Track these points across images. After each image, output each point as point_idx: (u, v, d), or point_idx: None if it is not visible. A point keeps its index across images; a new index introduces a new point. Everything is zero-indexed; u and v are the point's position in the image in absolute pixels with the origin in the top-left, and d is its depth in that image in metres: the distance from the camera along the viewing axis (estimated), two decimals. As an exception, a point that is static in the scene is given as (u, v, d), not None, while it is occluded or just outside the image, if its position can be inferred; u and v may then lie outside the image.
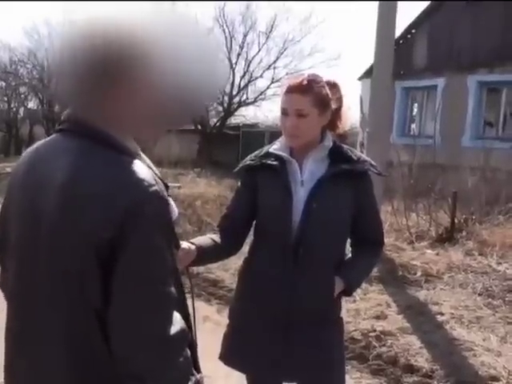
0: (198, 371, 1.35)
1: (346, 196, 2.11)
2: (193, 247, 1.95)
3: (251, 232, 2.27)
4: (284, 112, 2.07)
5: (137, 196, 1.15)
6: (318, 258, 2.09)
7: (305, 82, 2.02)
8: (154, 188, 1.18)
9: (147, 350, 1.17)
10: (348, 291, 2.19)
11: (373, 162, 2.19)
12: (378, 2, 7.24)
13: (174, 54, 1.17)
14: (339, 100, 2.13)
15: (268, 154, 2.16)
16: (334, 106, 2.09)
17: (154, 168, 1.35)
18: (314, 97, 2.02)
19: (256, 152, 2.24)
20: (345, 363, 2.30)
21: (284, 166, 2.12)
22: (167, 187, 1.31)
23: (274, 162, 2.12)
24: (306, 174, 2.11)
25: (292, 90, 2.04)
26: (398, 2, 7.18)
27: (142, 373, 1.18)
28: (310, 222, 2.06)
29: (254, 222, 2.23)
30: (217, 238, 2.15)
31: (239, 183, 2.28)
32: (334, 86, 2.11)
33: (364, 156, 2.21)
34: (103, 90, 1.19)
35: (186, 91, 1.21)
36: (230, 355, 2.25)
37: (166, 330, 1.18)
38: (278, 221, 2.10)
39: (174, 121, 1.35)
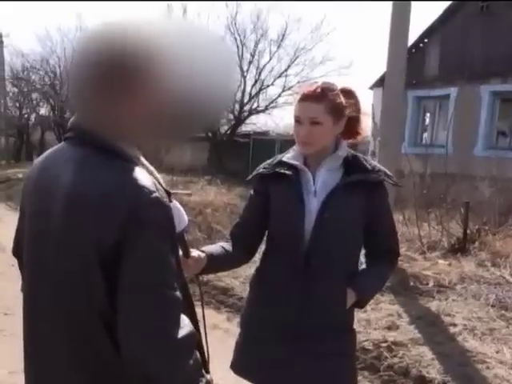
0: (208, 373, 1.37)
1: (360, 206, 2.07)
2: (203, 255, 1.94)
3: (263, 240, 2.25)
4: (297, 120, 2.04)
5: (137, 203, 1.17)
6: (330, 268, 2.05)
7: (319, 90, 1.99)
8: (155, 195, 1.20)
9: (157, 353, 1.18)
10: (360, 303, 2.14)
11: (388, 172, 2.14)
12: (391, 11, 7.22)
13: (184, 64, 1.17)
14: (356, 106, 2.08)
15: (281, 163, 2.13)
16: (349, 112, 2.05)
17: (158, 175, 1.38)
18: (328, 105, 1.98)
19: (269, 160, 2.21)
20: (357, 374, 2.27)
21: (297, 175, 2.08)
22: (169, 194, 1.33)
23: (287, 171, 2.08)
24: (319, 184, 2.07)
25: (306, 98, 2.01)
26: (411, 12, 7.16)
27: (152, 375, 1.20)
28: (323, 232, 2.02)
29: (267, 231, 2.20)
30: (228, 246, 2.13)
31: (252, 191, 2.25)
32: (349, 93, 2.08)
33: (379, 166, 2.17)
34: (110, 99, 1.19)
35: (197, 102, 1.21)
36: (240, 365, 2.23)
37: (174, 333, 1.20)
38: (290, 231, 2.07)
39: (181, 131, 1.34)
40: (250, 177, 2.24)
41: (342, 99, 2.03)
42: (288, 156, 2.13)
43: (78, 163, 1.24)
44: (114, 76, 1.15)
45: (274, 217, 2.13)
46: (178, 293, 1.23)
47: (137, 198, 1.17)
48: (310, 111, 2.00)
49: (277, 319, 2.08)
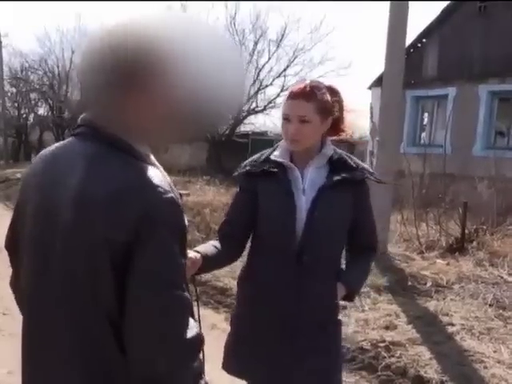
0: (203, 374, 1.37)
1: (346, 204, 2.12)
2: (198, 255, 1.94)
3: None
4: (286, 118, 2.08)
5: (152, 202, 1.17)
6: (321, 265, 2.10)
7: (308, 89, 2.03)
8: (170, 195, 1.20)
9: (165, 353, 1.19)
10: (350, 296, 2.22)
11: (371, 170, 2.20)
12: (388, 11, 7.23)
13: (196, 63, 1.17)
14: (340, 105, 2.12)
15: (268, 160, 2.15)
16: (336, 111, 2.09)
17: (168, 176, 1.36)
18: (316, 103, 2.02)
19: (255, 156, 2.23)
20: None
21: (285, 173, 2.11)
22: (181, 196, 1.32)
23: (276, 170, 2.10)
24: (307, 182, 2.11)
25: (295, 96, 2.05)
26: (409, 12, 7.17)
27: (159, 375, 1.20)
28: (313, 230, 2.06)
29: (254, 230, 2.20)
30: (218, 244, 2.13)
31: (238, 189, 2.26)
32: (333, 91, 2.11)
33: (362, 163, 2.21)
34: (121, 96, 1.19)
35: (208, 101, 1.21)
36: (236, 365, 2.23)
37: (183, 334, 1.20)
38: (281, 229, 2.09)
39: (193, 130, 1.34)
40: (236, 173, 2.25)
41: (329, 98, 2.06)
42: (276, 154, 2.15)
43: (89, 159, 1.23)
44: (127, 74, 1.15)
45: (264, 215, 2.13)
46: (186, 293, 1.23)
47: (152, 196, 1.17)
48: (300, 109, 2.03)
49: (272, 319, 2.10)
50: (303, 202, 2.08)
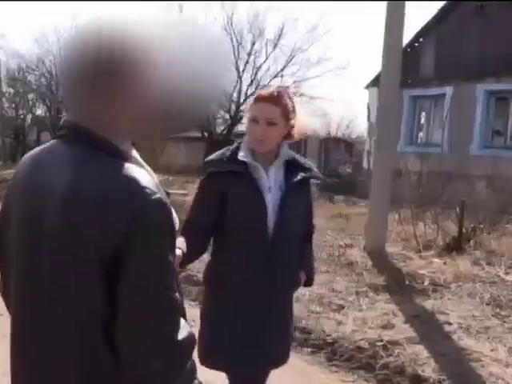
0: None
1: (305, 200, 2.36)
2: (180, 252, 1.98)
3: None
4: (254, 119, 2.20)
5: (140, 203, 1.16)
6: (290, 257, 2.28)
7: (275, 94, 2.19)
8: (157, 195, 1.19)
9: (157, 354, 1.19)
10: (310, 282, 2.49)
11: (315, 168, 2.41)
12: (385, 10, 7.24)
13: (178, 62, 1.16)
14: (295, 112, 2.26)
15: (234, 160, 2.22)
16: (294, 119, 2.23)
17: (154, 175, 1.35)
18: (282, 108, 2.18)
19: (218, 155, 2.28)
20: None
21: (251, 172, 2.20)
22: (168, 195, 1.31)
23: (243, 170, 2.19)
24: (272, 181, 2.25)
25: (264, 100, 2.19)
26: (407, 11, 7.18)
27: (152, 376, 1.21)
28: (283, 227, 2.21)
29: (221, 227, 2.24)
30: (189, 241, 2.14)
31: (202, 185, 2.32)
32: (291, 99, 2.25)
33: (309, 162, 2.41)
34: (100, 96, 1.18)
35: (190, 96, 1.20)
36: (218, 360, 2.29)
37: (175, 335, 1.20)
38: (254, 227, 2.19)
39: (176, 126, 1.34)
40: (208, 170, 2.29)
41: (290, 104, 2.21)
42: (241, 154, 2.23)
43: (75, 162, 1.21)
44: (108, 73, 1.14)
45: (235, 213, 2.19)
46: (177, 294, 1.23)
47: (140, 198, 1.16)
48: (268, 112, 2.17)
49: (249, 314, 2.22)
50: (269, 200, 2.21)
